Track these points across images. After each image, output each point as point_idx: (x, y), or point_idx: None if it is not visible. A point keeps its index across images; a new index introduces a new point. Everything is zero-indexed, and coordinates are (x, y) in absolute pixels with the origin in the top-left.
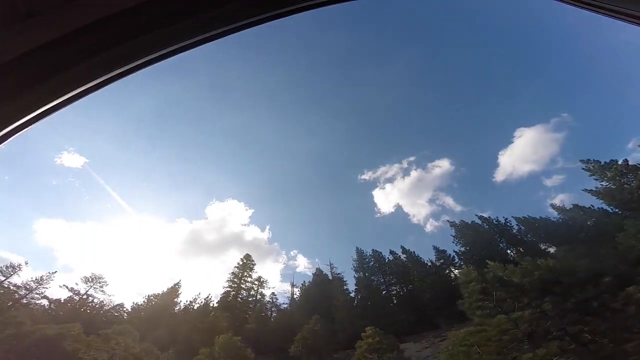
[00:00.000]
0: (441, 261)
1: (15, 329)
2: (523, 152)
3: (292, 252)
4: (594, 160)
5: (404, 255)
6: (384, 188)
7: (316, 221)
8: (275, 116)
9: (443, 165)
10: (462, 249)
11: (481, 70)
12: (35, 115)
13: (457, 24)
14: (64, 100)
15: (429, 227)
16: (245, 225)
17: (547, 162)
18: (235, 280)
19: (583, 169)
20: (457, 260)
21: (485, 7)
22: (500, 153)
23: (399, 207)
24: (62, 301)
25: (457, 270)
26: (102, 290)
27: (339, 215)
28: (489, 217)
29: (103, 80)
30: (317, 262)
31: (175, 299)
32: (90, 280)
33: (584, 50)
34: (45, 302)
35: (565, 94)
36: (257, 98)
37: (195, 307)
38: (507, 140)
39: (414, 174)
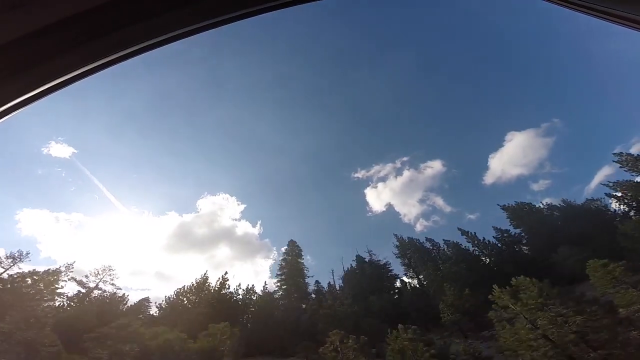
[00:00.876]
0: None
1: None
2: (513, 156)
3: (283, 249)
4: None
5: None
6: (376, 187)
7: (308, 218)
8: (270, 112)
9: (435, 166)
10: None
11: (475, 72)
12: (18, 103)
13: (451, 27)
14: (47, 89)
15: (418, 227)
16: (236, 220)
17: (536, 166)
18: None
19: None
20: None
21: (479, 10)
22: (490, 156)
23: (390, 206)
24: (81, 296)
25: None
26: (112, 284)
27: (332, 212)
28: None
29: (90, 69)
30: (309, 260)
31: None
32: (99, 272)
33: (577, 54)
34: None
35: (557, 98)
36: (251, 93)
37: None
38: (497, 144)
39: (407, 173)
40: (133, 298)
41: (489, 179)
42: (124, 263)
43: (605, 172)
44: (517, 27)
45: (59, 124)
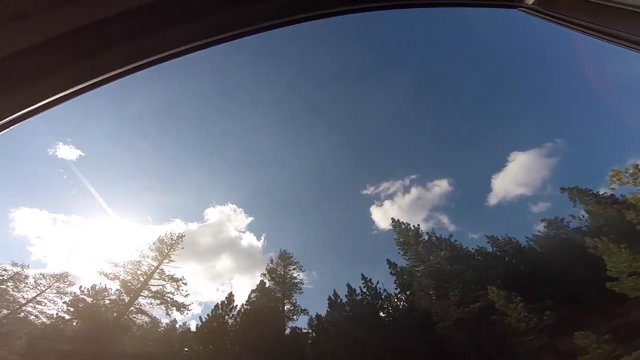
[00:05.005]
0: None
1: None
2: (515, 176)
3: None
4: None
5: None
6: (382, 204)
7: (314, 234)
8: (278, 126)
9: (442, 185)
10: None
11: (479, 90)
12: (26, 112)
13: (455, 47)
14: (57, 99)
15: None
16: (241, 232)
17: (538, 187)
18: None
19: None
20: None
21: (482, 31)
22: (493, 177)
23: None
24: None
25: None
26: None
27: (339, 229)
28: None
29: (96, 82)
30: (314, 275)
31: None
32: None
33: (583, 75)
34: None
35: (561, 119)
36: (258, 106)
37: None
38: (501, 164)
39: (414, 191)
40: None
41: (492, 199)
42: (118, 270)
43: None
44: (519, 46)
45: (68, 127)
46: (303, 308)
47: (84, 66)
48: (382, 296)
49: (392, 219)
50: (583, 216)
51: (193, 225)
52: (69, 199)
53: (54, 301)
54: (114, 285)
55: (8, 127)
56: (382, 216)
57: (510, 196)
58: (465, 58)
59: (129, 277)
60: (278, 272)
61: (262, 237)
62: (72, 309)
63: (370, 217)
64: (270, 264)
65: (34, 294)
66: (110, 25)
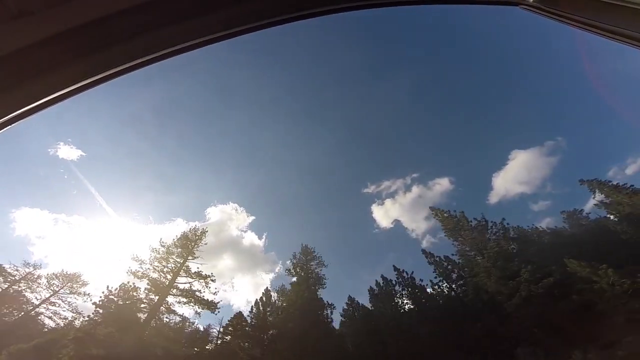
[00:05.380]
0: None
1: None
2: (516, 175)
3: (288, 262)
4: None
5: None
6: (383, 203)
7: (315, 232)
8: (280, 124)
9: (443, 184)
10: None
11: (481, 89)
12: (27, 110)
13: (457, 45)
14: (54, 98)
15: (425, 244)
16: (243, 231)
17: (539, 186)
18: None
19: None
20: None
21: (485, 27)
22: (494, 175)
23: (398, 222)
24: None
25: None
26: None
27: (340, 227)
28: None
29: (97, 79)
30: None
31: None
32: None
33: (584, 73)
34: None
35: (562, 117)
36: (259, 105)
37: None
38: (502, 162)
39: (415, 189)
40: None
41: (493, 197)
42: (119, 270)
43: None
44: (520, 44)
45: (69, 126)
46: (330, 302)
47: (84, 64)
48: (419, 285)
49: (431, 207)
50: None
51: (194, 225)
52: (70, 199)
53: (68, 302)
54: (141, 284)
55: (9, 124)
56: (383, 215)
57: (510, 194)
58: (467, 56)
59: (156, 275)
60: (302, 267)
61: (264, 236)
62: (101, 310)
63: (372, 216)
64: (293, 259)
65: (47, 295)
66: (110, 24)
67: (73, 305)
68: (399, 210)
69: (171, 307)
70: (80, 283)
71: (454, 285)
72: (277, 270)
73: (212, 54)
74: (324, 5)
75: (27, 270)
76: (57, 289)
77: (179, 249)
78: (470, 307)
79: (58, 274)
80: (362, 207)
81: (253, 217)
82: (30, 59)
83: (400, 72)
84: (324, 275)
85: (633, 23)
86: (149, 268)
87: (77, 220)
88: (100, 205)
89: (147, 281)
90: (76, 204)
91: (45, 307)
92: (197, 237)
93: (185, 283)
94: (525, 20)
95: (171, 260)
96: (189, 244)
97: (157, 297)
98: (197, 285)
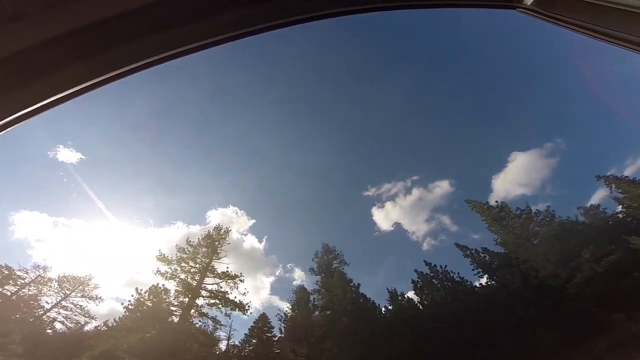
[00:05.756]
0: None
1: None
2: (516, 177)
3: (288, 265)
4: None
5: None
6: (384, 206)
7: (316, 235)
8: (279, 127)
9: (443, 186)
10: None
11: (480, 91)
12: (26, 113)
13: (456, 47)
14: (54, 100)
15: (425, 246)
16: (243, 234)
17: (538, 187)
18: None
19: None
20: None
21: (482, 30)
22: (493, 177)
23: (398, 225)
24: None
25: None
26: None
27: (340, 230)
28: None
29: (97, 82)
30: (318, 278)
31: None
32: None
33: (581, 75)
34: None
35: (561, 119)
36: (258, 108)
37: None
38: (501, 164)
39: (416, 192)
40: None
41: (493, 199)
42: (119, 274)
43: (600, 194)
44: (517, 46)
45: (69, 129)
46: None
47: (83, 66)
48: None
49: (467, 201)
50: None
51: (195, 228)
52: (70, 202)
53: (80, 306)
54: (169, 286)
55: (8, 127)
56: (383, 217)
57: (510, 196)
58: (465, 58)
59: (183, 276)
60: (326, 266)
61: (264, 240)
62: (136, 315)
63: (372, 219)
64: (315, 258)
65: (59, 298)
66: (109, 26)
67: (85, 309)
68: (400, 213)
69: (201, 309)
70: (92, 286)
71: (494, 276)
72: (277, 274)
73: (211, 56)
74: (322, 10)
75: (37, 272)
76: (68, 292)
77: (204, 249)
78: (519, 294)
79: (69, 277)
80: (362, 210)
81: (254, 221)
82: (30, 61)
83: (399, 76)
84: (346, 273)
85: (628, 26)
86: (176, 268)
87: (76, 224)
88: (100, 209)
89: (175, 282)
90: (76, 207)
91: (56, 312)
92: (221, 237)
93: (212, 284)
94: (522, 23)
95: (197, 261)
96: (213, 243)
97: (186, 299)
98: (224, 286)
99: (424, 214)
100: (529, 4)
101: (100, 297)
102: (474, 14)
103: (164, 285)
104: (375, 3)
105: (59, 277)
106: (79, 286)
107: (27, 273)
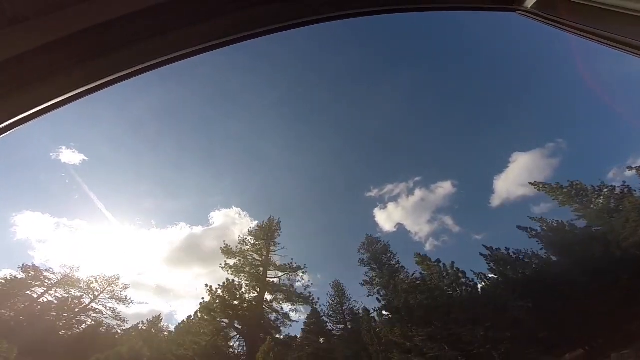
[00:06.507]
0: None
1: None
2: (517, 177)
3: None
4: None
5: None
6: (386, 207)
7: (318, 236)
8: (282, 128)
9: (445, 187)
10: None
11: (482, 92)
12: (28, 115)
13: (458, 48)
14: (57, 102)
15: (428, 247)
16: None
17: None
18: None
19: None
20: None
21: (483, 32)
22: (495, 178)
23: (401, 226)
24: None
25: None
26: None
27: (342, 231)
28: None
29: (99, 84)
30: (319, 278)
31: None
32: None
33: (582, 76)
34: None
35: (562, 119)
36: (259, 109)
37: None
38: (503, 165)
39: (418, 193)
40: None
41: (495, 200)
42: (123, 275)
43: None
44: (518, 48)
45: (71, 130)
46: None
47: (85, 69)
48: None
49: (531, 182)
50: None
51: (198, 229)
52: (72, 203)
53: (111, 307)
54: (237, 279)
55: (11, 128)
56: (386, 218)
57: (512, 197)
58: (466, 60)
59: (247, 269)
60: (376, 257)
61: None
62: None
63: (374, 220)
64: (361, 248)
65: (90, 299)
66: (111, 29)
67: (116, 311)
68: (402, 213)
69: (271, 304)
70: (122, 286)
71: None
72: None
73: (211, 58)
74: (323, 13)
75: (65, 271)
76: (97, 294)
77: (261, 241)
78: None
79: (97, 277)
80: (365, 211)
81: (256, 222)
82: (31, 63)
83: (401, 77)
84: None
85: (628, 29)
86: (242, 261)
87: (78, 225)
88: (102, 210)
89: (244, 276)
90: (78, 208)
91: (85, 315)
92: (274, 228)
93: (274, 278)
94: (523, 26)
95: (258, 254)
96: (268, 235)
97: (254, 295)
98: (286, 279)
99: (427, 214)
100: (529, 6)
101: (130, 299)
102: (475, 16)
103: (234, 280)
104: (376, 6)
105: (87, 277)
106: (107, 286)
107: (53, 274)
